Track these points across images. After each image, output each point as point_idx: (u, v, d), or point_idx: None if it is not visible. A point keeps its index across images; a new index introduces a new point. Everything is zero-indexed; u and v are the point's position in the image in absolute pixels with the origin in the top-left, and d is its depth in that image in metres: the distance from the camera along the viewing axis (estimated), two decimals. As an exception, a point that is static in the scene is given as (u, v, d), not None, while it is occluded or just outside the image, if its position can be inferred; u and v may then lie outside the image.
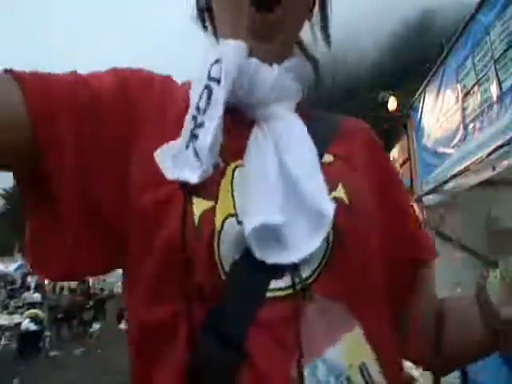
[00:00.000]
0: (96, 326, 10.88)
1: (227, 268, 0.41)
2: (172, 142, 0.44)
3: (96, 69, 0.57)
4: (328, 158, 0.51)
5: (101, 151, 0.45)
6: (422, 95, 4.22)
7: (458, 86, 3.27)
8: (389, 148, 6.38)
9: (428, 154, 4.02)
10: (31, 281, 22.10)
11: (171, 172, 0.42)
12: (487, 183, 3.22)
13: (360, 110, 54.18)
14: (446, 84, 3.55)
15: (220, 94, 0.44)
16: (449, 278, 3.93)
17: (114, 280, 28.27)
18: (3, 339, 8.74)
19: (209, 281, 0.41)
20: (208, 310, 0.40)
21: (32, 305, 11.56)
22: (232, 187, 0.44)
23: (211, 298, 0.41)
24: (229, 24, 0.52)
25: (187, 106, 0.46)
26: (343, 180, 0.48)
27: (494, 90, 2.74)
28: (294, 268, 0.41)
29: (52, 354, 8.45)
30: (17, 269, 21.62)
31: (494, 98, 2.74)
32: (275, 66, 0.50)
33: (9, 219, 48.57)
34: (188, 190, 0.40)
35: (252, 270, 0.41)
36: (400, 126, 5.22)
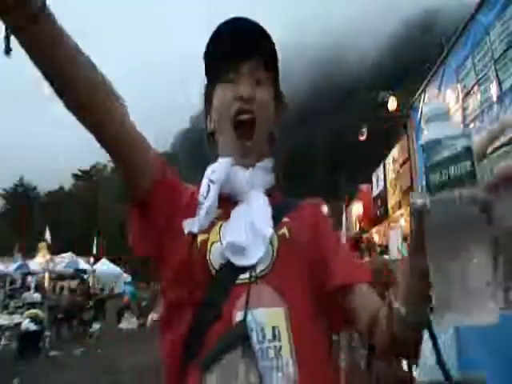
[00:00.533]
0: (96, 326, 10.90)
1: (216, 268, 0.76)
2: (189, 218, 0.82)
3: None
4: (286, 220, 0.84)
5: (166, 212, 0.84)
6: (422, 95, 4.22)
7: (459, 86, 3.27)
8: (389, 148, 6.39)
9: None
10: (31, 281, 22.10)
11: (187, 228, 0.80)
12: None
13: (360, 110, 54.07)
14: (446, 84, 3.55)
15: (214, 189, 0.81)
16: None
17: (114, 280, 28.32)
18: (3, 339, 8.74)
19: (204, 276, 0.76)
20: (204, 290, 0.75)
21: (32, 305, 11.55)
22: (219, 230, 0.80)
23: (205, 285, 0.75)
24: (226, 146, 0.88)
25: (196, 199, 0.83)
26: (288, 227, 0.81)
27: (493, 90, 2.74)
28: (252, 268, 0.75)
29: (52, 353, 8.44)
30: (17, 269, 21.60)
31: (494, 98, 2.74)
32: (249, 170, 0.85)
33: (9, 219, 48.53)
34: (194, 234, 0.79)
35: (228, 269, 0.75)
36: (400, 125, 5.22)
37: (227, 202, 0.83)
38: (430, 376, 3.56)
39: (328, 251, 0.83)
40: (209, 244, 0.77)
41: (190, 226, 0.79)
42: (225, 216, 0.82)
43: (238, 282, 0.74)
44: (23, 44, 0.63)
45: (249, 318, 0.70)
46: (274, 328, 0.71)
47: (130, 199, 0.90)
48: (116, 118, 0.81)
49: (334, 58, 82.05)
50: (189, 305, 0.76)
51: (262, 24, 0.84)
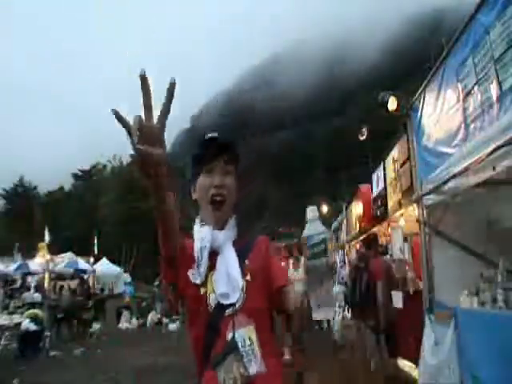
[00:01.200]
0: (96, 326, 10.90)
1: (213, 306, 1.30)
2: (192, 270, 1.33)
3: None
4: (247, 263, 1.36)
5: (181, 260, 1.35)
6: (422, 95, 4.21)
7: (459, 86, 3.26)
8: (389, 148, 6.38)
9: (429, 153, 4.01)
10: (31, 281, 22.09)
11: (193, 280, 1.32)
12: (487, 183, 3.22)
13: (360, 110, 53.93)
14: (447, 84, 3.55)
15: (205, 256, 1.33)
16: (449, 277, 3.94)
17: (114, 280, 28.30)
18: (3, 339, 8.73)
19: (207, 310, 1.30)
20: (207, 318, 1.30)
21: (32, 305, 11.56)
22: (212, 281, 1.32)
23: (207, 315, 1.30)
24: (205, 213, 1.41)
25: (192, 252, 1.36)
26: (250, 271, 1.34)
27: (493, 90, 2.74)
28: (233, 305, 1.28)
29: (52, 353, 8.44)
30: (17, 269, 21.59)
31: (494, 98, 2.74)
32: (223, 231, 1.38)
33: (9, 219, 48.51)
34: (197, 284, 1.32)
35: (220, 307, 1.29)
36: (400, 125, 5.21)
37: (212, 253, 1.35)
38: (429, 375, 3.53)
39: (272, 268, 1.42)
40: (208, 294, 1.32)
41: (194, 278, 1.33)
42: (212, 266, 1.34)
43: (226, 314, 1.29)
44: (154, 198, 1.19)
45: (236, 335, 1.26)
46: (250, 338, 1.27)
47: (162, 256, 1.36)
48: (176, 229, 1.33)
49: (334, 57, 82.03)
50: (200, 321, 1.32)
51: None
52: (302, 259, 5.84)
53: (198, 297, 1.31)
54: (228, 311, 1.28)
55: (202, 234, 1.37)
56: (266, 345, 1.29)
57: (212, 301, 1.30)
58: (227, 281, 1.31)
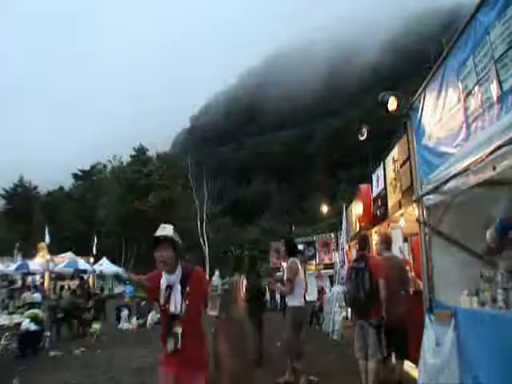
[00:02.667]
0: (96, 326, 10.88)
1: (169, 314, 2.75)
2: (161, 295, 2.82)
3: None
4: (187, 289, 2.75)
5: (152, 290, 2.87)
6: (422, 95, 4.21)
7: (460, 86, 3.26)
8: (389, 148, 6.38)
9: (430, 153, 4.00)
10: (31, 281, 22.11)
11: (161, 301, 2.80)
12: (487, 183, 3.22)
13: (360, 109, 53.77)
14: (447, 84, 3.54)
15: (164, 286, 2.79)
16: (449, 277, 3.94)
17: (110, 281, 28.30)
18: (3, 339, 8.71)
19: (167, 315, 2.77)
20: (167, 319, 2.79)
21: (32, 305, 11.55)
22: (169, 302, 2.78)
23: (168, 318, 2.77)
24: (158, 265, 2.83)
25: (159, 280, 2.83)
26: (188, 297, 2.73)
27: (494, 90, 2.74)
28: (178, 315, 2.74)
29: (52, 353, 8.43)
30: (17, 269, 21.60)
31: (495, 99, 2.73)
32: (173, 276, 2.77)
33: (9, 219, 48.50)
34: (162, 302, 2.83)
35: (173, 315, 2.74)
36: (400, 125, 5.21)
37: (168, 286, 2.72)
38: (429, 376, 3.52)
39: (203, 290, 2.90)
40: (167, 308, 2.71)
41: (161, 299, 2.74)
42: (169, 295, 2.71)
43: (175, 319, 2.69)
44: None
45: (176, 329, 2.67)
46: (179, 331, 2.68)
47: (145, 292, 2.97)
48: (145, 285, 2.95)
49: (334, 57, 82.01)
50: (165, 322, 2.81)
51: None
52: (289, 260, 5.85)
53: (163, 308, 2.76)
54: (176, 317, 2.69)
55: (163, 278, 2.76)
56: (189, 334, 2.70)
57: (169, 312, 2.71)
58: (174, 306, 2.70)
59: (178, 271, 2.74)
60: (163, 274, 2.73)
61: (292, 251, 6.04)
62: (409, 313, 4.85)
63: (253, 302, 6.85)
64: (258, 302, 7.20)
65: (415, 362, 4.47)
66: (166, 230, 2.79)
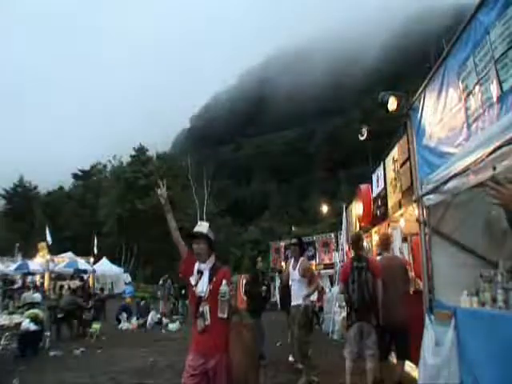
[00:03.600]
0: (96, 326, 10.88)
1: (198, 295, 3.11)
2: (192, 276, 3.20)
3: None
4: (213, 278, 3.09)
5: (187, 268, 3.25)
6: (422, 95, 4.21)
7: (461, 86, 3.26)
8: (389, 148, 6.38)
9: (431, 153, 4.00)
10: (31, 281, 22.11)
11: (192, 282, 3.17)
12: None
13: (360, 109, 53.72)
14: (448, 84, 3.54)
15: (195, 271, 3.18)
16: (449, 277, 3.94)
17: (114, 280, 28.30)
18: (3, 339, 8.71)
19: (195, 295, 3.13)
20: (196, 299, 3.12)
21: (32, 305, 11.54)
22: (197, 285, 3.16)
23: (196, 298, 3.12)
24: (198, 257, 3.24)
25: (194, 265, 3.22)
26: (213, 285, 3.06)
27: (494, 90, 2.74)
28: (203, 296, 3.10)
29: (52, 353, 8.43)
30: (17, 269, 21.60)
31: (495, 99, 2.73)
32: (204, 264, 3.17)
33: (9, 219, 48.50)
34: (193, 283, 3.19)
35: (200, 296, 3.09)
36: (400, 125, 5.21)
37: (200, 272, 3.12)
38: (429, 376, 3.52)
39: (218, 282, 3.02)
40: (196, 291, 3.09)
41: (193, 280, 3.13)
42: (199, 278, 3.11)
43: (202, 299, 3.05)
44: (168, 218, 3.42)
45: (204, 309, 3.01)
46: (207, 311, 3.00)
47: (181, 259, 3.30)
48: (181, 241, 3.31)
49: (334, 57, 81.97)
50: (194, 303, 3.13)
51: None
52: (301, 259, 5.83)
53: (192, 290, 3.10)
54: (202, 298, 3.02)
55: (197, 264, 3.16)
56: (214, 315, 2.96)
57: (198, 293, 3.06)
58: (202, 287, 3.06)
59: (210, 262, 3.14)
60: (197, 262, 3.15)
61: (303, 250, 6.05)
62: (410, 313, 4.85)
63: (254, 301, 6.82)
64: (258, 301, 7.15)
65: (415, 362, 4.47)
66: (202, 226, 3.24)
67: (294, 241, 6.15)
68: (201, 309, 2.99)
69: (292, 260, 6.01)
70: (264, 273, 7.57)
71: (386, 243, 5.48)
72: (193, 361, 3.00)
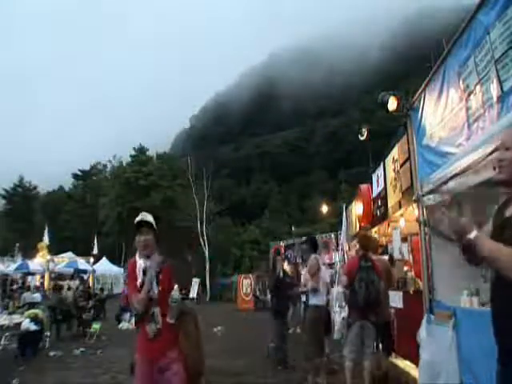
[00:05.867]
0: (96, 326, 10.87)
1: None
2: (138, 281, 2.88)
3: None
4: (160, 276, 2.83)
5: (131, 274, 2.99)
6: (422, 95, 4.21)
7: (462, 86, 3.26)
8: (389, 148, 6.38)
9: (431, 153, 4.00)
10: (31, 281, 22.09)
11: (138, 284, 2.86)
12: (487, 183, 3.22)
13: (360, 109, 53.65)
14: (448, 84, 3.54)
15: (141, 270, 2.87)
16: (449, 277, 3.94)
17: (114, 280, 28.28)
18: (3, 339, 8.70)
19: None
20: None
21: (32, 305, 11.53)
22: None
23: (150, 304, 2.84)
24: (140, 253, 2.94)
25: (135, 267, 2.93)
26: (161, 285, 2.83)
27: (494, 90, 2.74)
28: (154, 298, 2.83)
29: (52, 353, 8.42)
30: (17, 269, 21.58)
31: (495, 98, 2.73)
32: (149, 260, 2.87)
33: (9, 219, 48.48)
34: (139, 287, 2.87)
35: (149, 298, 2.79)
36: (400, 125, 5.21)
37: (145, 270, 2.81)
38: (429, 375, 3.51)
39: (170, 287, 2.98)
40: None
41: (138, 283, 2.81)
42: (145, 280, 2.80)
43: (152, 301, 2.77)
44: None
45: (154, 311, 2.77)
46: (158, 313, 2.77)
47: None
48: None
49: (334, 57, 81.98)
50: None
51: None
52: (311, 257, 5.60)
53: (139, 291, 2.78)
54: (151, 300, 2.75)
55: (140, 262, 2.86)
56: (165, 317, 2.79)
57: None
58: (151, 287, 2.77)
59: (155, 257, 2.87)
60: (138, 260, 2.87)
61: (315, 248, 5.82)
62: (408, 313, 4.86)
63: (279, 301, 6.76)
64: (284, 301, 7.05)
65: (415, 361, 4.47)
66: (147, 216, 2.94)
67: (304, 239, 6.02)
68: (151, 311, 2.74)
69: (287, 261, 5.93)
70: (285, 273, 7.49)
71: (374, 246, 5.54)
72: (146, 367, 2.77)
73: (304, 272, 5.77)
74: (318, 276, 5.41)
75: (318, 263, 5.54)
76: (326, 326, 5.79)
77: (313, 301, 5.44)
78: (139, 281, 2.80)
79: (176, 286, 2.85)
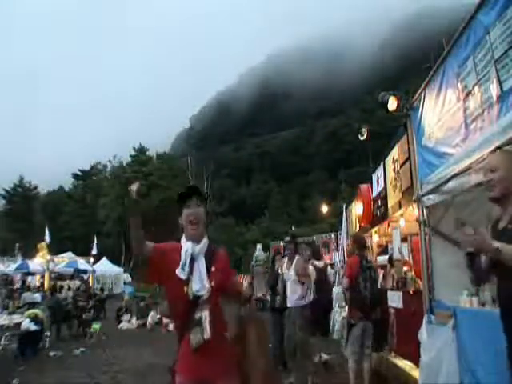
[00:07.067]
0: (96, 326, 10.87)
1: (191, 296, 2.09)
2: (178, 269, 2.11)
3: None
4: (213, 268, 2.16)
5: (162, 266, 2.15)
6: (422, 95, 4.21)
7: (459, 86, 3.26)
8: (389, 148, 6.37)
9: (429, 153, 4.00)
10: (31, 281, 22.11)
11: (180, 276, 2.10)
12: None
13: (360, 109, 53.63)
14: (447, 84, 3.54)
15: (188, 258, 2.12)
16: (449, 277, 3.93)
17: (114, 280, 28.28)
18: (3, 339, 8.70)
19: (186, 301, 2.09)
20: (187, 303, 2.09)
21: (32, 305, 11.54)
22: (192, 281, 2.11)
23: (187, 301, 2.09)
24: (187, 233, 2.20)
25: (179, 255, 2.14)
26: (213, 278, 2.13)
27: (494, 90, 2.74)
28: (201, 297, 2.09)
29: (52, 353, 8.42)
30: (17, 269, 21.58)
31: (494, 98, 2.73)
32: (198, 245, 2.17)
33: (9, 219, 48.48)
34: (182, 280, 2.11)
35: (195, 297, 2.09)
36: (400, 125, 5.21)
37: (192, 259, 2.11)
38: (429, 375, 3.51)
39: (227, 276, 2.23)
40: (189, 292, 2.07)
41: (182, 275, 2.08)
42: (191, 270, 2.10)
43: (198, 302, 2.06)
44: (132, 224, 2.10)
45: (202, 315, 2.04)
46: (206, 318, 2.03)
47: (145, 261, 2.11)
48: (144, 243, 2.12)
49: (334, 57, 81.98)
50: (182, 309, 2.09)
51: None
52: (296, 258, 5.60)
53: (180, 288, 2.09)
54: (199, 301, 2.08)
55: (186, 247, 2.16)
56: (215, 323, 2.08)
57: (191, 294, 2.08)
58: (199, 282, 2.10)
59: (205, 242, 2.18)
60: (186, 242, 2.16)
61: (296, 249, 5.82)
62: (408, 313, 4.87)
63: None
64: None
65: (415, 361, 4.47)
66: (196, 188, 2.31)
67: (287, 239, 5.99)
68: (197, 315, 2.04)
69: (286, 259, 5.82)
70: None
71: (365, 246, 5.58)
72: None
73: (289, 271, 5.62)
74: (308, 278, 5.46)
75: (305, 264, 5.60)
76: (317, 326, 5.82)
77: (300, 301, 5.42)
78: (182, 273, 2.08)
79: (260, 246, 2.24)
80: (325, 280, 7.03)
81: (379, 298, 4.91)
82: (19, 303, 13.90)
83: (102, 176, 54.48)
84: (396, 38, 75.87)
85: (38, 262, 22.15)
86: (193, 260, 2.11)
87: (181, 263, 2.08)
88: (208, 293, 2.08)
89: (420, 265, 4.49)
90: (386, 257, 6.99)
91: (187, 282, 2.07)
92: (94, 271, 23.59)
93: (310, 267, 5.95)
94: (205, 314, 2.04)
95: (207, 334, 2.02)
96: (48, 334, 9.46)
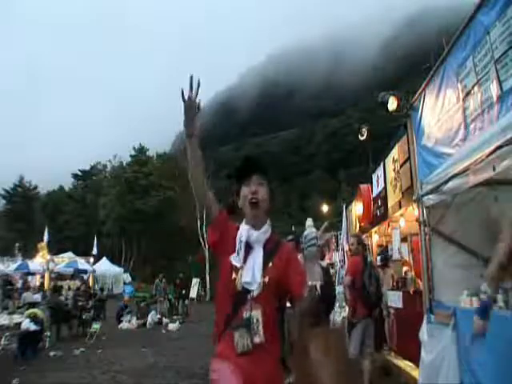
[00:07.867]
0: (96, 326, 10.87)
1: (239, 289, 1.72)
2: (233, 255, 1.76)
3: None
4: (272, 261, 1.76)
5: (222, 230, 1.84)
6: (422, 95, 4.21)
7: (459, 86, 3.26)
8: (389, 148, 6.37)
9: (429, 153, 4.01)
10: (31, 281, 22.09)
11: (234, 262, 1.75)
12: (487, 183, 3.22)
13: (360, 109, 53.63)
14: (447, 84, 3.54)
15: (242, 244, 1.76)
16: (449, 277, 3.94)
17: (114, 280, 28.29)
18: (3, 339, 8.70)
19: (234, 291, 1.73)
20: (234, 294, 1.73)
21: (32, 305, 11.53)
22: (242, 271, 1.74)
23: (234, 292, 1.73)
24: (247, 214, 1.82)
25: (235, 237, 1.78)
26: (269, 275, 1.73)
27: (494, 90, 2.74)
28: (252, 291, 1.71)
29: (52, 353, 8.42)
30: (17, 269, 21.58)
31: (494, 98, 2.73)
32: (257, 232, 1.80)
33: (9, 219, 48.45)
34: (236, 267, 1.75)
35: (245, 290, 1.72)
36: (400, 125, 5.21)
37: (248, 246, 1.77)
38: (429, 375, 3.52)
39: (291, 279, 1.75)
40: (237, 280, 1.72)
41: (235, 261, 1.75)
42: (245, 259, 1.75)
43: (247, 297, 1.70)
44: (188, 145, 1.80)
45: (251, 315, 1.68)
46: (257, 319, 1.67)
47: (210, 221, 1.85)
48: (206, 187, 1.85)
49: (334, 57, 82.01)
50: (227, 301, 1.74)
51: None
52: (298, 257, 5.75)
53: (229, 274, 1.75)
54: (249, 295, 1.70)
55: (243, 230, 1.80)
56: (268, 326, 1.69)
57: (239, 286, 1.72)
58: (251, 274, 1.72)
59: (266, 229, 1.82)
60: (243, 225, 1.82)
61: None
62: (408, 313, 4.87)
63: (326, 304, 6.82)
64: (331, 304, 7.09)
65: (415, 361, 4.47)
66: (257, 160, 1.98)
67: (289, 238, 6.05)
68: (246, 314, 1.69)
69: None
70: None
71: (365, 245, 5.65)
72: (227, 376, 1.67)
73: None
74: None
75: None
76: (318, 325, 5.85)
77: None
78: (235, 259, 1.74)
79: (310, 220, 1.66)
80: (328, 280, 7.00)
81: (381, 296, 4.96)
82: (19, 303, 13.90)
83: (102, 176, 54.43)
84: (396, 38, 75.86)
85: (38, 262, 22.14)
86: (248, 248, 1.75)
87: (236, 248, 1.74)
88: (259, 289, 1.69)
89: (420, 265, 4.49)
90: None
91: (238, 269, 1.72)
92: (94, 271, 23.58)
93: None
94: (256, 316, 1.67)
95: (258, 338, 1.65)
96: (48, 333, 9.46)
